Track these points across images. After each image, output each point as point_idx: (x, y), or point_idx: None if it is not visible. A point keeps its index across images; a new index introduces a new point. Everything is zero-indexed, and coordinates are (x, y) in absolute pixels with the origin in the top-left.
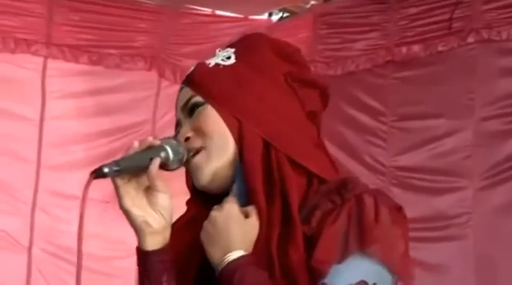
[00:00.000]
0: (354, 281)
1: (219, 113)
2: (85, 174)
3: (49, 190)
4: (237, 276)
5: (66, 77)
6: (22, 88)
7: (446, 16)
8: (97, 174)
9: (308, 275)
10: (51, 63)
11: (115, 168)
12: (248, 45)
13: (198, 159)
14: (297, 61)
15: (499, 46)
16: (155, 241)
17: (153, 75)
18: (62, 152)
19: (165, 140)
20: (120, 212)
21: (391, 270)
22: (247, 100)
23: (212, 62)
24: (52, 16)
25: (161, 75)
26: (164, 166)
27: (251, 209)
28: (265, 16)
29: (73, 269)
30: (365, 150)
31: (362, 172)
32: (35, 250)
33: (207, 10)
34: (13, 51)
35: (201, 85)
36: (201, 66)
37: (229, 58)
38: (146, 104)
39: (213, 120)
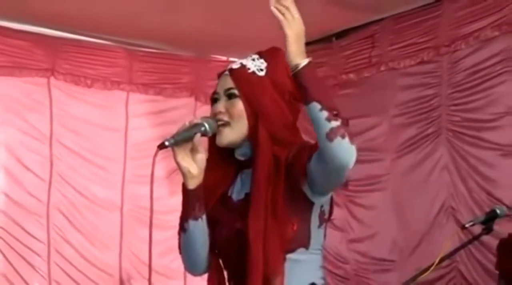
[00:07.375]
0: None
1: (245, 108)
2: (148, 161)
3: (132, 173)
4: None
5: (141, 103)
6: (114, 112)
7: (368, 55)
8: (161, 146)
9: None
10: (131, 95)
11: (172, 141)
12: (276, 64)
13: (224, 130)
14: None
15: (399, 72)
16: (193, 182)
17: (192, 100)
18: (140, 150)
19: (205, 118)
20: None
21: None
22: (265, 106)
23: (251, 67)
24: (131, 66)
25: (197, 99)
26: (204, 134)
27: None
28: None
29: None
30: None
31: None
32: (125, 209)
33: (224, 58)
34: (109, 89)
35: (240, 85)
36: (243, 69)
37: (262, 70)
38: (188, 118)
39: (241, 110)
